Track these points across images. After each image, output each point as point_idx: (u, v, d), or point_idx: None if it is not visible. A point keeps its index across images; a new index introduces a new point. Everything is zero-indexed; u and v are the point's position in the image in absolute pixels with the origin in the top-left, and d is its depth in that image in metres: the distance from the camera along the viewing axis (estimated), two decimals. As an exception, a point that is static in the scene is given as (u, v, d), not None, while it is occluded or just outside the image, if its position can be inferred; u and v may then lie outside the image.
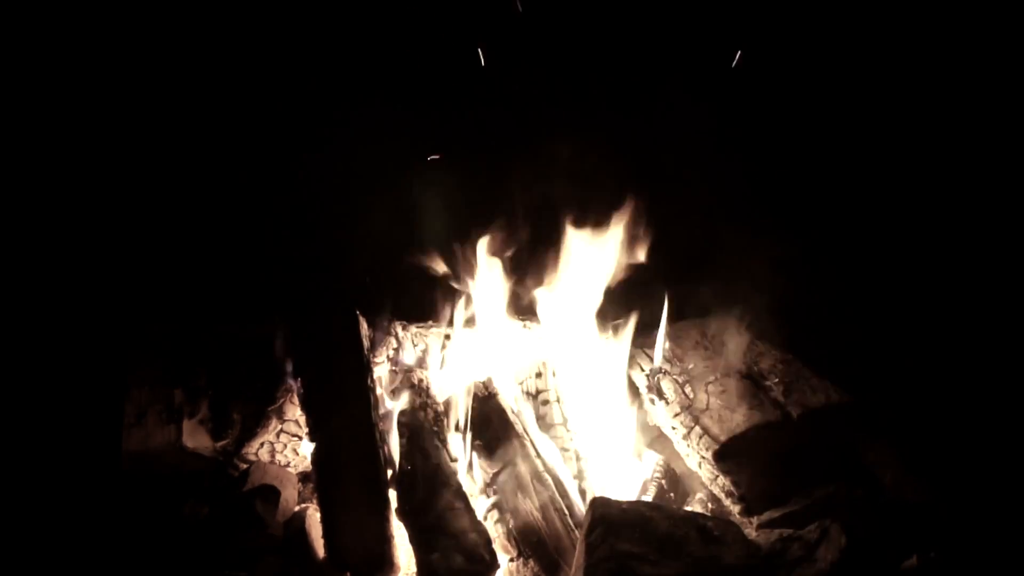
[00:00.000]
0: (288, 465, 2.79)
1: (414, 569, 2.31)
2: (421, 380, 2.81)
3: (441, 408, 2.74)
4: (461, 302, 3.01)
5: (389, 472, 2.48)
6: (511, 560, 2.35)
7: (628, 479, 2.84)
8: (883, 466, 2.54)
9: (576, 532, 2.32)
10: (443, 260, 3.05)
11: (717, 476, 2.66)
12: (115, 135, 3.47)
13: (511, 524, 2.38)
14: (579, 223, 2.99)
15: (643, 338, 2.99)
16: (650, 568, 1.93)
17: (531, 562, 2.31)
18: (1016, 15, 3.21)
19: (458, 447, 2.62)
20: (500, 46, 3.53)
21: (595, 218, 3.00)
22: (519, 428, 2.65)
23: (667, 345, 2.95)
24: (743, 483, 2.60)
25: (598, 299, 2.96)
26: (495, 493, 2.48)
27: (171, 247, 3.42)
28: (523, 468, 2.50)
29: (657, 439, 2.98)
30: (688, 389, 2.85)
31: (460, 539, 2.19)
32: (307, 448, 2.71)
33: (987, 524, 2.21)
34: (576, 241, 2.98)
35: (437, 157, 3.16)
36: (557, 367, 3.02)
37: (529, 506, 2.40)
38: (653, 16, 3.59)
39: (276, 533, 2.51)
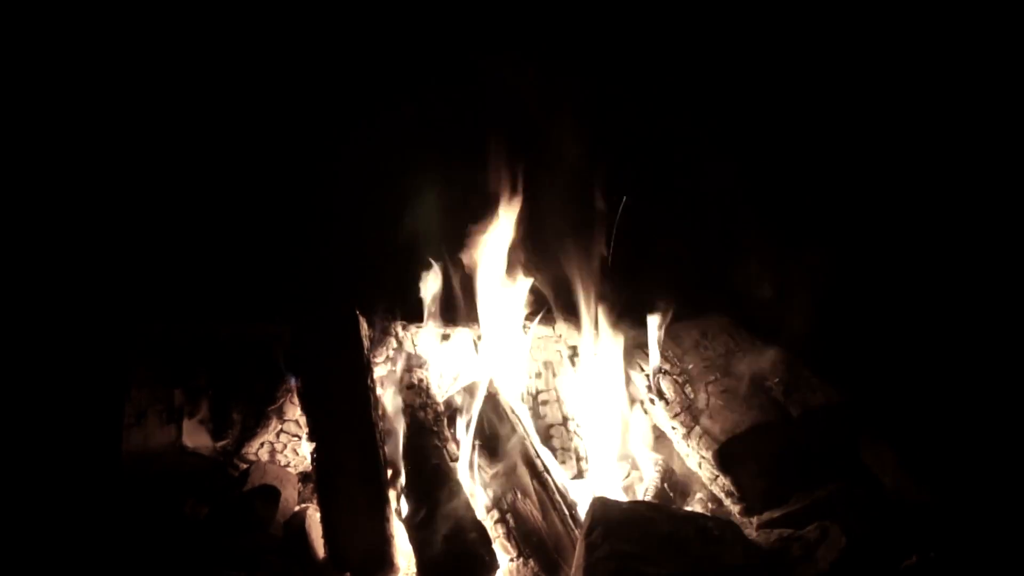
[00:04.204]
0: (288, 465, 2.79)
1: (414, 569, 2.31)
2: (421, 380, 2.81)
3: (441, 408, 2.74)
4: (462, 302, 3.02)
5: (389, 472, 2.48)
6: (511, 560, 2.35)
7: (628, 479, 2.84)
8: (883, 466, 2.54)
9: (576, 532, 2.32)
10: (444, 260, 3.05)
11: (717, 476, 2.66)
12: (116, 134, 3.46)
13: (511, 524, 2.38)
14: (576, 224, 3.00)
15: (642, 337, 2.99)
16: (650, 568, 1.93)
17: (531, 562, 2.31)
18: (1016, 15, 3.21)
19: (458, 447, 2.62)
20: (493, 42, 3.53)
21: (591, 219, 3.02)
22: (519, 428, 2.65)
23: (665, 346, 2.95)
24: (743, 483, 2.60)
25: (596, 298, 2.96)
26: (495, 493, 2.48)
27: (172, 247, 3.42)
28: (523, 468, 2.50)
29: (657, 439, 2.98)
30: (688, 389, 2.85)
31: (460, 539, 2.19)
32: (307, 448, 2.71)
33: (987, 524, 2.21)
34: (574, 242, 2.98)
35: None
36: (557, 367, 3.02)
37: (529, 506, 2.40)
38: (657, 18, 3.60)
39: (276, 533, 2.51)
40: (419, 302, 3.02)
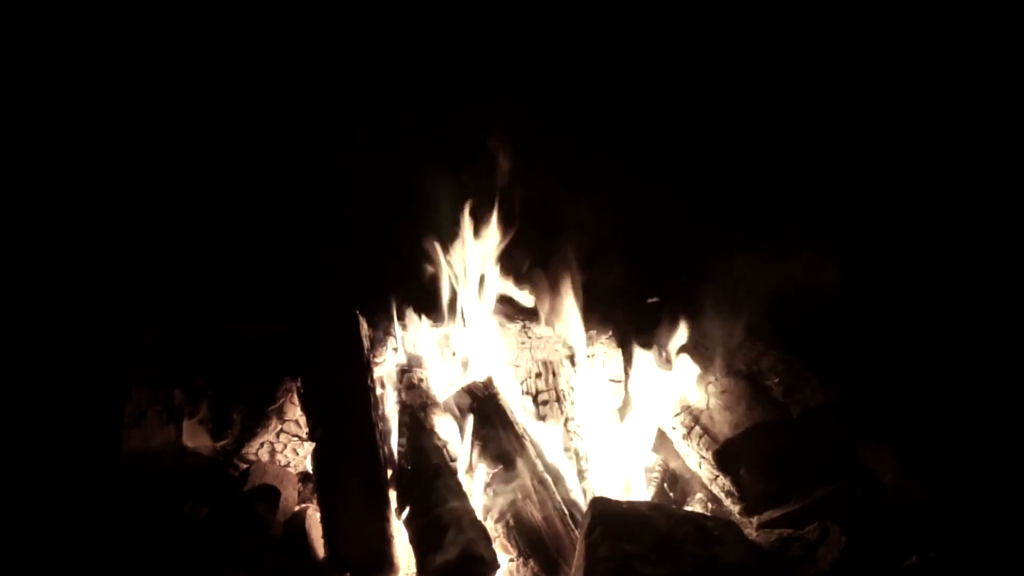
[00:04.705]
0: (288, 465, 2.78)
1: (414, 569, 2.31)
2: (421, 380, 2.81)
3: (441, 408, 2.74)
4: (462, 302, 3.02)
5: (389, 472, 2.48)
6: (511, 560, 2.35)
7: (628, 479, 2.84)
8: (883, 466, 2.54)
9: (576, 532, 2.32)
10: (444, 260, 3.05)
11: (717, 476, 2.66)
12: (116, 135, 3.46)
13: (511, 524, 2.38)
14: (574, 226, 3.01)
15: (642, 337, 3.00)
16: (650, 568, 1.93)
17: (531, 562, 2.31)
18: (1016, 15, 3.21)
19: (458, 447, 2.62)
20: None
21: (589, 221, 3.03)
22: (519, 428, 2.65)
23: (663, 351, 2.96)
24: (743, 483, 2.60)
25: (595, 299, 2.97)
26: (495, 493, 2.48)
27: (172, 247, 3.42)
28: (523, 468, 2.50)
29: (657, 439, 2.98)
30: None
31: (459, 539, 2.19)
32: (307, 448, 2.71)
33: (987, 524, 2.21)
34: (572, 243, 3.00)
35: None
36: (557, 367, 3.02)
37: (529, 506, 2.40)
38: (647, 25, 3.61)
39: (276, 533, 2.51)
40: (420, 302, 3.03)
